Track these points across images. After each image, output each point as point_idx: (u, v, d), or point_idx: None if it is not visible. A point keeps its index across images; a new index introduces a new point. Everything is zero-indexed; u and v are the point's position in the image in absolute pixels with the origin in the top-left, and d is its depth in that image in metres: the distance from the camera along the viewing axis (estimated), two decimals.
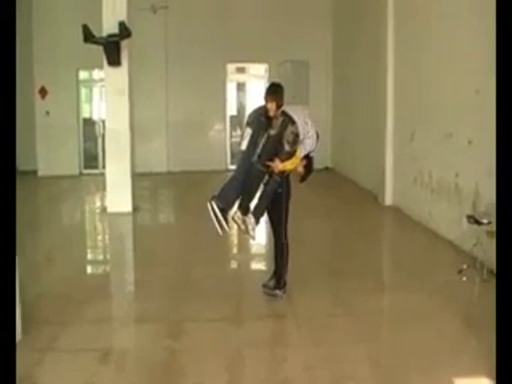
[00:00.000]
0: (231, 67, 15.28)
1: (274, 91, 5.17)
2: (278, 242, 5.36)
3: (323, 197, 10.94)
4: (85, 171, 14.70)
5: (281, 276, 5.43)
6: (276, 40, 14.19)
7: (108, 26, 8.71)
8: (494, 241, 5.06)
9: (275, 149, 5.09)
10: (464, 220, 6.27)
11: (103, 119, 11.79)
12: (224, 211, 5.04)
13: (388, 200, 9.77)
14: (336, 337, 4.63)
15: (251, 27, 14.17)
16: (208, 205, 5.10)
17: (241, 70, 15.99)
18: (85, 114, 15.25)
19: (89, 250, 8.15)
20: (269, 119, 5.13)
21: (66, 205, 11.36)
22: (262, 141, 5.08)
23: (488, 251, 5.70)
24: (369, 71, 10.99)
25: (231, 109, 15.92)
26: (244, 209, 5.13)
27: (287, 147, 5.08)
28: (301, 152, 5.28)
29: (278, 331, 4.93)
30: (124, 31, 8.57)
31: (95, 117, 15.20)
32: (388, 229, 9.02)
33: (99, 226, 9.65)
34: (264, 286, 5.55)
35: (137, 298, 5.79)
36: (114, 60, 8.76)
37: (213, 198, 5.08)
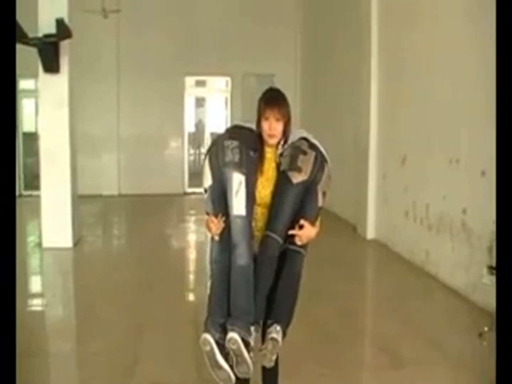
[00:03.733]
0: (190, 80, 14.04)
1: (283, 101, 3.11)
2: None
3: None
4: (26, 193, 12.97)
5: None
6: (239, 51, 13.03)
7: (44, 25, 7.18)
8: None
9: (299, 207, 3.04)
10: (485, 271, 5.06)
11: None
12: (249, 344, 2.89)
13: (371, 233, 8.51)
14: None
15: (213, 36, 12.97)
16: (212, 342, 2.86)
17: (201, 84, 14.85)
18: (28, 128, 13.58)
19: None
20: (261, 150, 3.06)
21: None
22: (262, 191, 3.05)
23: None
24: (347, 83, 9.80)
25: (190, 126, 14.63)
26: (258, 321, 3.01)
27: (320, 201, 3.08)
28: None
29: None
30: (63, 30, 7.03)
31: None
32: (376, 270, 7.67)
33: (25, 270, 7.31)
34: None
35: None
36: (51, 66, 7.21)
37: (225, 326, 2.88)
